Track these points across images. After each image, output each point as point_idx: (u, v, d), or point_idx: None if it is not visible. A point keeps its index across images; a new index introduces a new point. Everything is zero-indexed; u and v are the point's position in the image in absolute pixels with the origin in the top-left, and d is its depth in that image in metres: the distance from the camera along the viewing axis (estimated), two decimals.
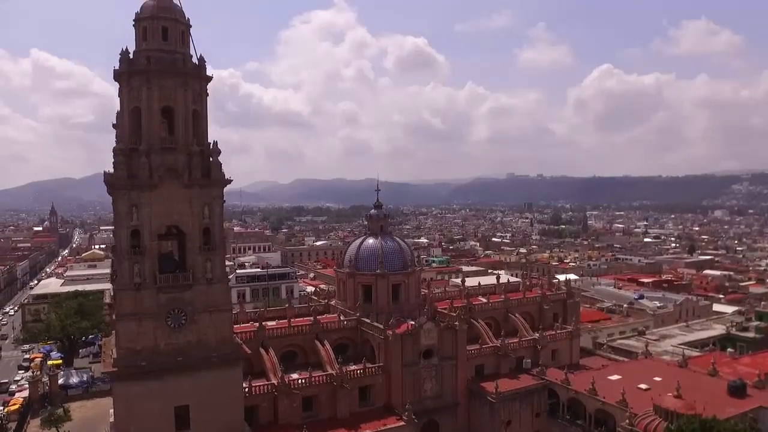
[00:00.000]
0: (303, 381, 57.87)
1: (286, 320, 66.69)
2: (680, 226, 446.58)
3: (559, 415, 64.91)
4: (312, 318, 65.96)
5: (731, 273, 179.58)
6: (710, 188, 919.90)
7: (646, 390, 60.71)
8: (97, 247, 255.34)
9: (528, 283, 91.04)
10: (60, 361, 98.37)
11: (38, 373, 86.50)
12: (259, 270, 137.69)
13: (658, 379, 64.07)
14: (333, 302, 75.64)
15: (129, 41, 47.12)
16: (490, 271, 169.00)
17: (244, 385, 52.26)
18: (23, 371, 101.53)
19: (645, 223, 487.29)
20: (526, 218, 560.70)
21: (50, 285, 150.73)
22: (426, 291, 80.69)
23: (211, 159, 46.63)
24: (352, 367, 61.27)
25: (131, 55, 45.18)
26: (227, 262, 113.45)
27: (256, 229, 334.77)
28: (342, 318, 68.20)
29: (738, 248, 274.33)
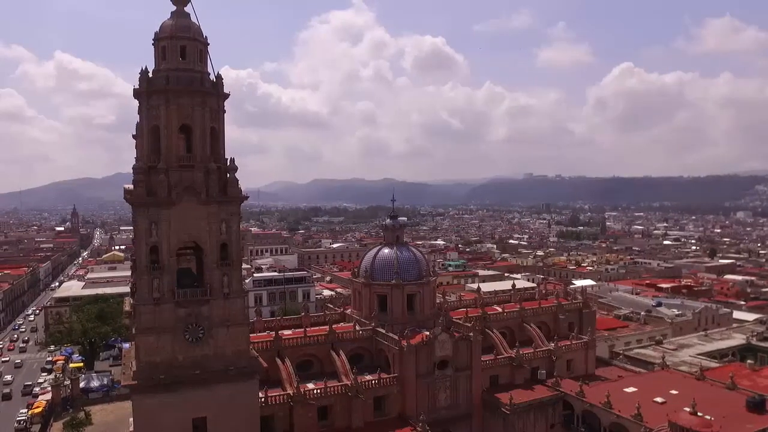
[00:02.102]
0: (318, 391, 58.42)
1: (301, 329, 67.32)
2: (701, 228, 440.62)
3: (574, 428, 64.75)
4: (327, 327, 66.53)
5: (753, 278, 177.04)
6: (733, 189, 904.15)
7: (662, 404, 60.24)
8: (117, 248, 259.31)
9: (544, 291, 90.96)
10: (81, 364, 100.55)
11: (61, 376, 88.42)
12: (275, 274, 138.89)
13: (674, 392, 63.53)
14: (348, 311, 76.18)
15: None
16: (506, 275, 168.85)
17: (260, 394, 53.03)
18: (46, 373, 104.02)
19: (665, 224, 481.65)
20: (544, 219, 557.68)
21: (72, 288, 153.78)
22: (441, 300, 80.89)
23: (228, 176, 47.45)
24: (367, 377, 61.64)
25: (150, 74, 46.13)
26: (244, 265, 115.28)
27: (274, 230, 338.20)
28: (357, 328, 68.73)
29: (761, 251, 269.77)
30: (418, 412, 59.80)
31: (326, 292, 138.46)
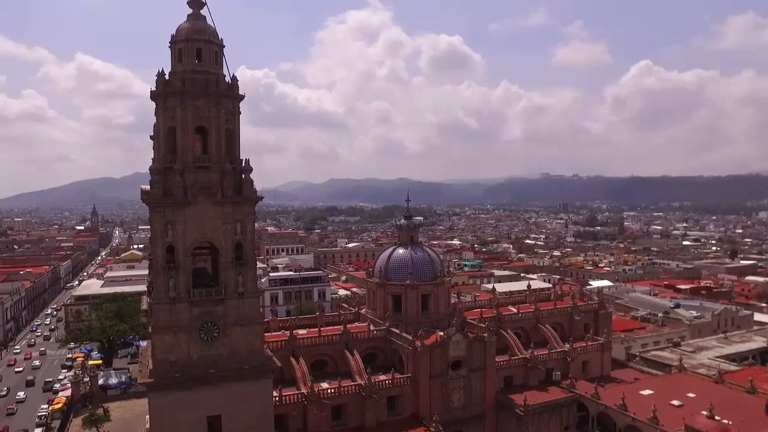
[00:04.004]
0: (332, 390, 58.69)
1: (316, 329, 67.85)
2: (722, 229, 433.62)
3: (588, 430, 64.29)
4: (342, 327, 66.82)
5: None
6: (755, 188, 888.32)
7: (678, 407, 59.59)
8: (135, 247, 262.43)
9: (559, 292, 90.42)
10: (100, 362, 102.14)
11: (80, 372, 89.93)
12: (291, 273, 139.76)
13: (691, 395, 62.80)
14: (363, 311, 76.42)
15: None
16: (522, 275, 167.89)
17: (274, 393, 53.38)
18: (66, 370, 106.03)
19: (684, 225, 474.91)
20: (561, 219, 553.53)
21: (91, 286, 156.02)
22: (456, 300, 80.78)
23: (243, 176, 47.89)
24: (381, 377, 61.82)
25: (167, 77, 46.68)
26: (260, 264, 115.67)
27: (290, 230, 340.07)
28: (371, 327, 68.95)
29: None
30: (431, 413, 59.88)
31: (342, 292, 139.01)
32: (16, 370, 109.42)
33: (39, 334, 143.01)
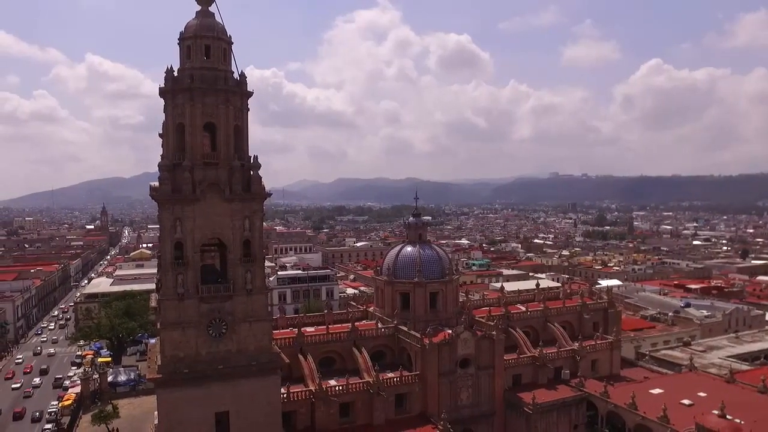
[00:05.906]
0: (340, 388, 58.67)
1: (324, 326, 67.91)
2: (733, 228, 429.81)
3: (598, 429, 63.83)
4: (350, 325, 66.78)
5: None
6: (766, 188, 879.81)
7: (689, 406, 59.00)
8: (144, 246, 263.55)
9: (568, 291, 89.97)
10: (109, 359, 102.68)
11: (89, 370, 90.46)
12: (299, 272, 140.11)
13: (702, 394, 62.17)
14: (371, 309, 76.34)
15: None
16: (531, 274, 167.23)
17: (282, 390, 53.45)
18: (76, 367, 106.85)
19: (695, 224, 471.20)
20: (570, 219, 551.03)
21: (101, 284, 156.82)
22: (464, 298, 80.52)
23: (251, 173, 47.91)
24: (389, 375, 61.74)
25: (175, 73, 46.77)
26: (269, 263, 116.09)
27: (298, 229, 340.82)
28: (380, 325, 68.88)
29: None
30: (439, 410, 59.65)
31: (350, 291, 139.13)
32: (13, 386, 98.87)
33: (45, 339, 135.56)
